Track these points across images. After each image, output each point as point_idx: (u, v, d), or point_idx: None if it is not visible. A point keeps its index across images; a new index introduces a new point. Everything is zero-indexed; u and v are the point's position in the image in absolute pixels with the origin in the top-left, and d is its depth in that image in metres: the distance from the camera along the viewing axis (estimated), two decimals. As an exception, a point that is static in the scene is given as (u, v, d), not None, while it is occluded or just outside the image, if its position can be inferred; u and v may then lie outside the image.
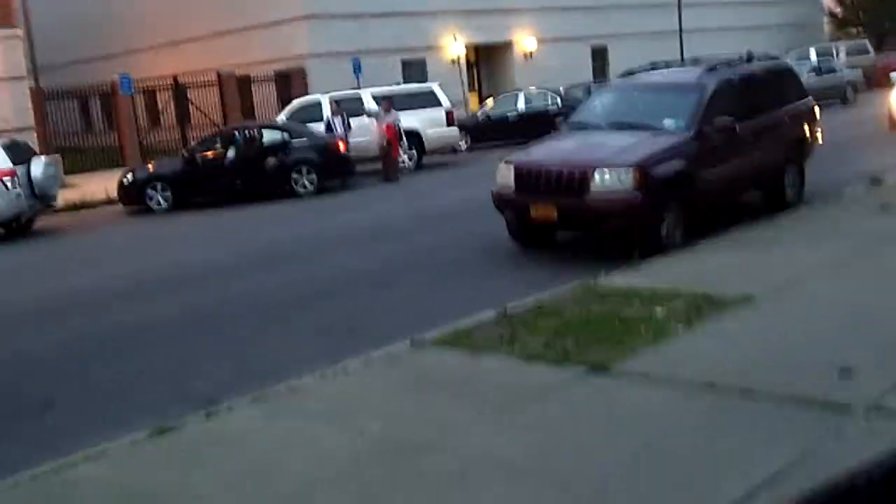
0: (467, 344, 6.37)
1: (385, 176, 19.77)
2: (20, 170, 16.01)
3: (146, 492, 4.53)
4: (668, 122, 9.99)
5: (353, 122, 20.22)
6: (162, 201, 18.09)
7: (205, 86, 29.92)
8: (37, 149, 20.11)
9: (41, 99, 24.69)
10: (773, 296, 6.90)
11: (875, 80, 30.53)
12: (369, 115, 20.46)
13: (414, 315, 7.87)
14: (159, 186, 18.16)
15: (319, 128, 20.13)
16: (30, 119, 22.87)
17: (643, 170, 9.11)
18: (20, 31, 22.78)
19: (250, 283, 10.29)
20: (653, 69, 11.81)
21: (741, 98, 10.70)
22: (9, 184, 15.66)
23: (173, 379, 6.88)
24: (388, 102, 20.13)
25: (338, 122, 19.91)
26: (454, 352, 6.27)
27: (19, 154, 16.52)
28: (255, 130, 19.21)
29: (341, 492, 4.30)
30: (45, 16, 29.23)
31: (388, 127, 19.70)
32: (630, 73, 12.08)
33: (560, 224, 9.96)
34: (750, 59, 11.72)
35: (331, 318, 8.26)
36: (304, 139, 18.89)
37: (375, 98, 21.22)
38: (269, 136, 18.98)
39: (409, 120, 20.80)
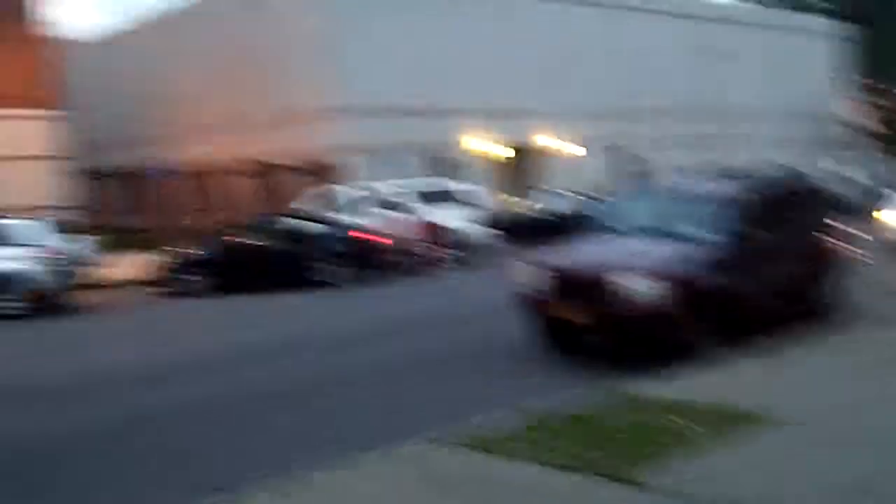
0: (487, 446, 6.25)
1: (419, 271, 19.79)
2: (61, 248, 16.28)
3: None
4: (701, 232, 9.95)
5: (392, 215, 20.36)
6: (196, 285, 18.19)
7: (242, 173, 30.47)
8: (76, 227, 20.46)
9: (85, 179, 25.25)
10: (808, 416, 6.68)
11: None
12: (408, 209, 20.63)
13: (434, 413, 7.77)
14: (194, 271, 18.32)
15: (349, 219, 20.33)
16: (73, 198, 23.35)
17: (676, 278, 9.05)
18: (65, 113, 23.45)
19: (274, 368, 10.27)
20: (683, 177, 11.85)
21: (774, 210, 10.66)
22: (48, 261, 15.92)
23: (187, 464, 6.82)
24: (426, 199, 20.30)
25: (384, 214, 20.11)
26: (473, 453, 6.15)
27: (61, 232, 16.83)
28: (291, 219, 19.41)
29: None
30: (93, 96, 30.11)
31: (427, 223, 19.84)
32: (658, 180, 12.11)
33: (588, 328, 9.86)
34: (781, 172, 11.74)
35: (347, 410, 8.20)
36: (337, 229, 19.03)
37: (420, 193, 21.46)
38: (303, 226, 19.14)
39: (446, 217, 20.99)
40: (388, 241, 19.51)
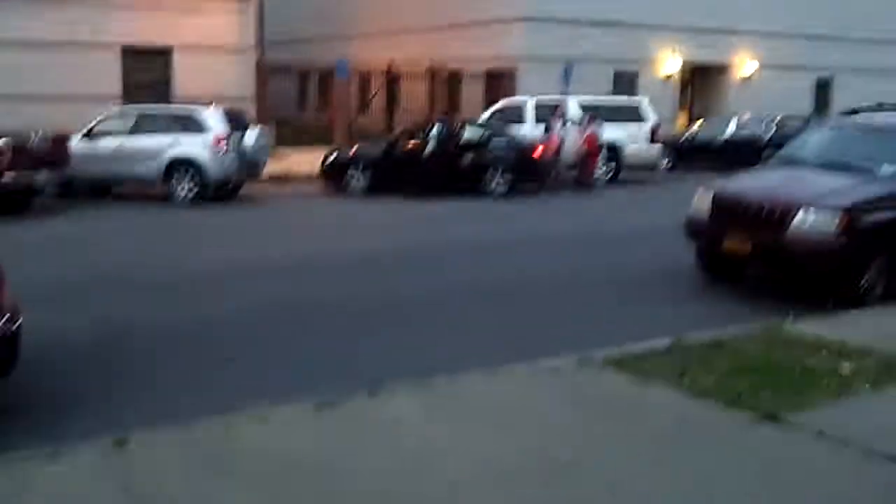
0: (637, 369, 6.19)
1: (579, 184, 19.64)
2: (235, 137, 16.96)
3: (304, 461, 4.65)
4: (887, 169, 9.34)
5: (565, 129, 20.08)
6: (359, 184, 18.66)
7: (416, 77, 30.71)
8: (253, 119, 21.21)
9: (264, 72, 26.03)
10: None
11: None
12: (574, 122, 20.35)
13: (587, 331, 7.77)
14: (359, 169, 18.74)
15: (522, 129, 20.23)
16: (250, 90, 24.16)
17: (851, 214, 8.56)
18: (252, 5, 24.07)
19: (431, 276, 10.45)
20: (880, 109, 11.10)
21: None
22: (223, 149, 16.66)
23: (343, 356, 7.07)
24: (595, 113, 20.04)
25: (558, 125, 19.92)
26: (622, 375, 6.11)
27: (236, 122, 17.50)
28: (457, 125, 19.48)
29: (486, 500, 4.27)
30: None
31: (589, 136, 19.57)
32: (854, 111, 11.40)
33: (753, 260, 9.52)
34: None
35: (504, 320, 8.26)
36: (503, 140, 19.01)
37: (582, 106, 21.09)
38: (469, 132, 19.23)
39: (612, 132, 20.58)
40: (557, 155, 19.40)
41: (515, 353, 6.75)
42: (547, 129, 19.83)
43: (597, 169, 20.23)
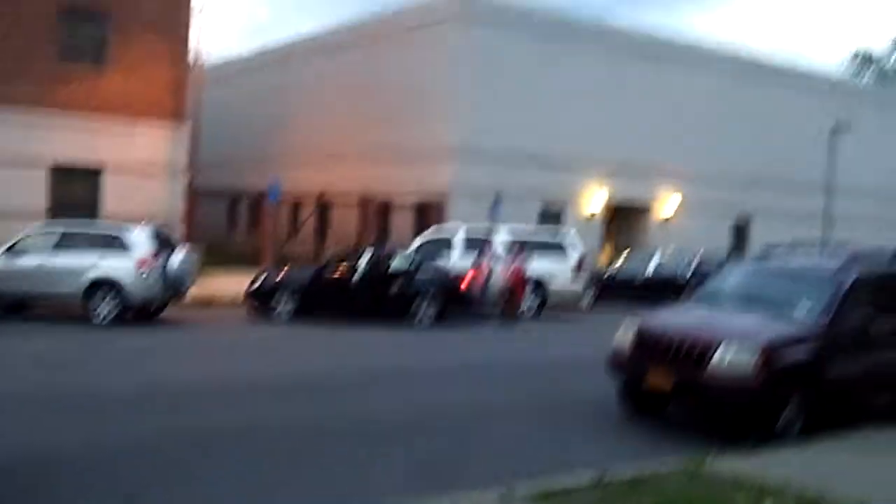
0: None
1: (504, 318, 19.76)
2: (161, 257, 16.75)
3: None
4: (801, 310, 9.63)
5: (491, 259, 20.29)
6: (286, 308, 18.51)
7: (347, 205, 31.04)
8: (181, 240, 21.04)
9: (194, 194, 26.01)
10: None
11: None
12: (500, 254, 20.62)
13: (505, 464, 7.68)
14: (286, 293, 18.62)
15: (451, 259, 20.45)
16: (179, 211, 24.06)
17: (769, 353, 8.75)
18: (187, 129, 24.24)
19: (350, 404, 10.28)
20: (793, 250, 11.51)
21: (883, 295, 10.24)
22: (146, 271, 16.42)
23: (255, 491, 6.83)
24: (522, 247, 20.34)
25: (488, 256, 20.18)
26: (542, 512, 6.02)
27: (163, 242, 17.31)
28: (387, 254, 19.61)
29: None
30: (211, 115, 31.11)
31: (515, 269, 19.83)
32: (768, 251, 11.79)
33: (674, 395, 9.61)
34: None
35: (422, 453, 8.11)
36: (431, 269, 19.18)
37: (510, 239, 21.46)
38: (398, 261, 19.34)
39: (538, 265, 20.93)
40: (485, 285, 19.58)
41: (435, 486, 6.61)
42: (477, 259, 20.04)
43: (523, 301, 20.40)
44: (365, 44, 34.80)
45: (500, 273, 20.22)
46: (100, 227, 18.36)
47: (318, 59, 37.66)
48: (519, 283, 19.88)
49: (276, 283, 18.96)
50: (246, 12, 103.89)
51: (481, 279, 19.86)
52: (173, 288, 17.18)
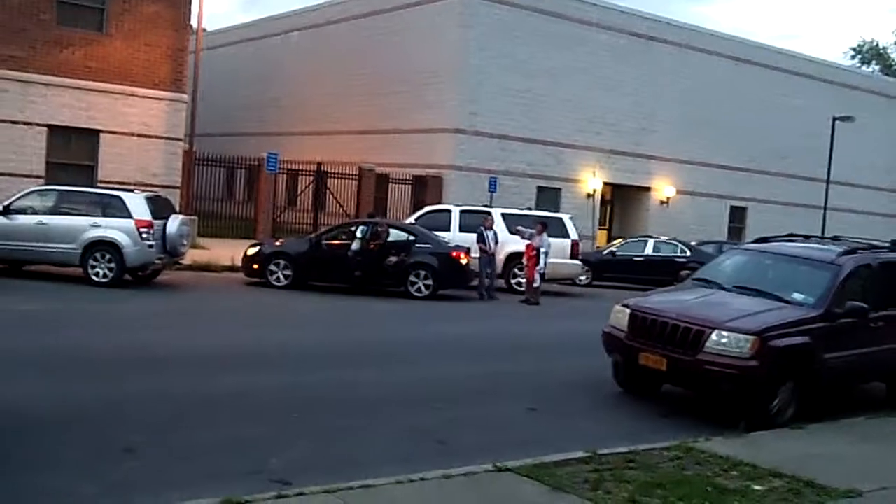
0: (549, 480, 6.17)
1: (498, 294, 19.71)
2: (157, 223, 16.75)
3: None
4: (797, 296, 9.67)
5: (486, 238, 20.04)
6: (282, 278, 18.54)
7: (344, 177, 30.99)
8: (177, 207, 21.00)
9: (191, 162, 25.94)
10: (882, 494, 6.45)
11: None
12: (519, 233, 20.48)
13: (502, 439, 7.73)
14: (282, 263, 18.64)
15: (447, 235, 20.37)
16: (177, 178, 24.00)
17: (763, 338, 8.79)
18: (186, 97, 24.16)
19: (346, 373, 10.32)
20: (790, 239, 11.53)
21: (879, 285, 10.29)
22: (144, 234, 16.41)
23: (251, 452, 6.86)
24: (543, 226, 20.13)
25: (490, 235, 19.98)
26: (536, 486, 6.07)
27: (160, 209, 17.29)
28: (383, 227, 19.59)
29: None
30: (209, 85, 30.96)
31: (528, 247, 19.75)
32: (765, 238, 11.81)
33: (667, 377, 9.66)
34: (894, 247, 11.26)
35: (418, 425, 8.15)
36: (429, 245, 19.16)
37: (517, 219, 21.46)
38: (395, 234, 19.34)
39: (539, 246, 20.88)
40: (472, 261, 19.51)
41: (429, 459, 6.67)
42: (480, 237, 19.84)
43: (534, 280, 20.00)
44: (368, 15, 34.63)
45: (500, 252, 20.24)
46: (99, 189, 18.31)
47: (319, 30, 37.48)
48: (531, 260, 19.72)
49: (273, 251, 18.96)
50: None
51: (487, 255, 19.71)
52: (171, 252, 17.20)
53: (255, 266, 18.89)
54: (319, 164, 30.72)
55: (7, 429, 6.92)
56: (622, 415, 9.38)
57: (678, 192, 35.58)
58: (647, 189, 35.32)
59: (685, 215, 35.08)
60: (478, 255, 19.73)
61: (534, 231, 19.99)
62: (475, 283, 19.63)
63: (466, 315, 17.31)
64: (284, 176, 31.10)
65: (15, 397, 7.87)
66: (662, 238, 27.26)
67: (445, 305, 18.09)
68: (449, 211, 22.30)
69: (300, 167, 31.22)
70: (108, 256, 16.40)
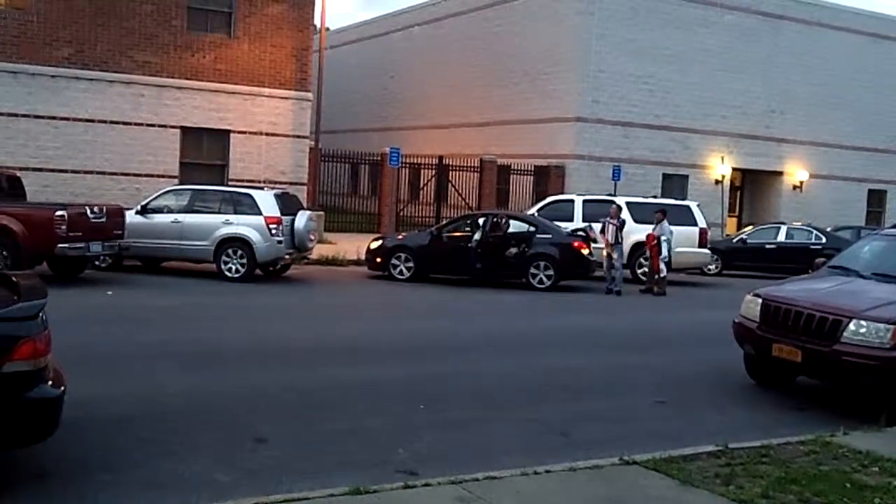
0: (678, 474, 6.03)
1: (648, 285, 19.33)
2: (286, 220, 17.23)
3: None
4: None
5: (610, 228, 19.48)
6: (404, 271, 18.76)
7: (466, 170, 31.12)
8: (304, 203, 21.54)
9: (317, 159, 26.56)
10: None
11: None
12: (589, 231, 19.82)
13: (627, 432, 7.60)
14: (403, 256, 18.86)
15: (570, 226, 20.05)
16: (304, 175, 24.64)
17: (907, 328, 8.35)
18: (311, 95, 24.74)
19: (470, 364, 10.35)
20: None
21: None
22: (273, 230, 16.91)
23: (378, 442, 6.96)
24: (662, 214, 19.64)
25: (611, 227, 19.18)
26: (665, 479, 5.94)
27: (288, 205, 17.78)
28: (504, 219, 19.56)
29: None
30: (332, 83, 31.60)
31: (649, 237, 19.36)
32: (906, 223, 11.23)
33: (802, 368, 9.30)
34: None
35: (542, 417, 8.11)
36: (549, 235, 18.99)
37: (643, 209, 20.94)
38: (515, 226, 19.28)
39: (665, 235, 20.42)
40: (593, 251, 19.18)
41: (553, 451, 6.62)
42: (603, 229, 19.37)
43: (660, 270, 19.48)
44: (487, 7, 34.64)
45: (626, 242, 19.83)
46: (228, 189, 18.97)
47: (439, 23, 37.72)
48: (654, 249, 19.29)
49: (395, 244, 19.21)
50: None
51: (608, 245, 19.28)
52: (299, 247, 17.67)
53: (378, 260, 19.17)
54: (441, 157, 30.94)
55: (150, 416, 7.24)
56: (754, 408, 9.08)
57: (812, 176, 34.25)
58: (779, 174, 34.14)
59: (820, 200, 33.76)
60: (601, 246, 19.29)
61: (610, 221, 19.21)
62: (601, 273, 19.22)
63: (589, 306, 17.14)
64: (407, 170, 31.47)
65: (156, 387, 8.23)
66: (796, 224, 26.30)
67: (567, 296, 17.95)
68: (572, 201, 22.11)
69: (422, 161, 31.54)
70: (239, 252, 16.99)
